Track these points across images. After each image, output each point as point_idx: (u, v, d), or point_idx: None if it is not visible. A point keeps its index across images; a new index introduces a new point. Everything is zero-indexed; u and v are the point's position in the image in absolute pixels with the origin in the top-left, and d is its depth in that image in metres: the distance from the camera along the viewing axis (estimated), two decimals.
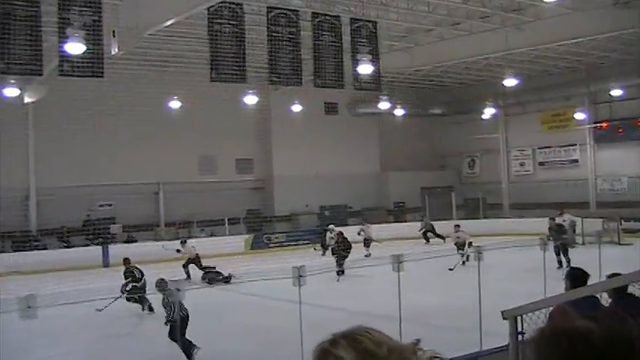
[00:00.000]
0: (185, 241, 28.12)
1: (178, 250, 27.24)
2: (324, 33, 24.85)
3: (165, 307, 13.42)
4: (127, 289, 19.30)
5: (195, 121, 36.87)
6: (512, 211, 43.62)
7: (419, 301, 17.17)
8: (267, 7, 24.18)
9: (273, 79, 24.56)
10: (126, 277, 19.91)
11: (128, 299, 19.34)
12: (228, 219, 36.91)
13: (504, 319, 6.86)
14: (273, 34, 23.80)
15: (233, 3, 23.03)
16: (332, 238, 29.43)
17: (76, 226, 34.48)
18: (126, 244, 33.34)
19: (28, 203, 34.46)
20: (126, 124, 35.45)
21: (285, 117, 39.84)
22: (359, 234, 31.98)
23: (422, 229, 37.17)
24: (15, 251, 31.82)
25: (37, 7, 19.92)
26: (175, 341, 13.15)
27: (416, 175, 44.84)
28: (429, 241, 35.75)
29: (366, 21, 26.16)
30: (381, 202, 44.69)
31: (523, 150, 45.14)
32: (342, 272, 24.95)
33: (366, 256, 29.33)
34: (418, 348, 2.00)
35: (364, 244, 31.55)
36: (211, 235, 35.95)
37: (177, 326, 13.01)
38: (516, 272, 22.24)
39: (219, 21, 22.83)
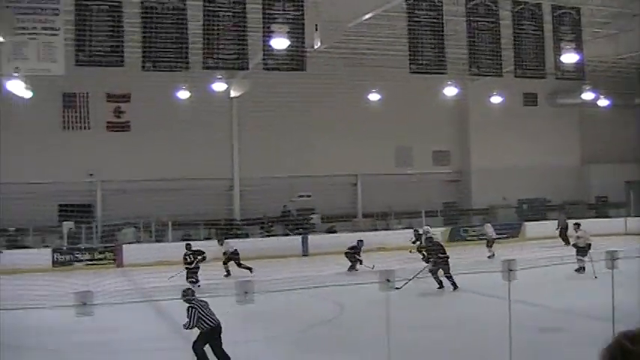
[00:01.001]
0: (222, 241, 28.19)
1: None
2: (524, 22, 24.15)
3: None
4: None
5: (392, 113, 36.98)
6: None
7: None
8: None
9: (472, 70, 24.17)
10: None
11: None
12: (425, 211, 36.78)
13: None
14: (473, 24, 23.43)
15: None
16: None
17: (277, 216, 35.57)
18: (325, 235, 34.14)
19: (232, 193, 36.07)
20: (325, 116, 36.25)
21: (483, 108, 39.12)
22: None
23: (558, 227, 34.21)
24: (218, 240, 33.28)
25: (243, 5, 20.73)
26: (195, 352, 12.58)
27: (620, 168, 42.58)
28: (568, 243, 30.41)
29: (569, 8, 25.20)
30: (581, 196, 42.98)
31: None
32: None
33: (488, 257, 28.47)
34: None
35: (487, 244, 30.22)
36: (409, 227, 35.92)
37: (202, 337, 12.58)
38: None
39: (418, 12, 22.74)
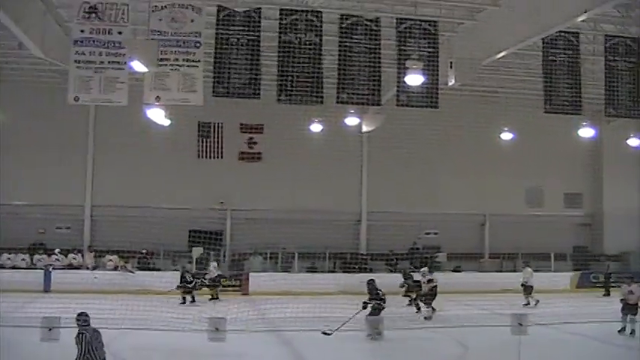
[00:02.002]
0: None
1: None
2: None
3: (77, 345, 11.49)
4: None
5: (523, 152, 36.26)
6: None
7: None
8: (605, 36, 23.24)
9: (609, 111, 23.41)
10: None
11: None
12: (554, 254, 35.77)
13: None
14: (611, 63, 22.79)
15: (569, 32, 22.43)
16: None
17: (403, 252, 35.35)
18: (451, 273, 33.73)
19: (359, 227, 36.18)
20: (455, 154, 35.93)
21: (619, 150, 37.74)
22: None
23: None
24: (344, 272, 33.42)
25: (377, 41, 20.92)
26: None
27: None
28: None
29: None
30: None
31: None
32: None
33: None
34: None
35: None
36: (536, 270, 35.02)
37: None
38: None
39: (554, 51, 22.37)
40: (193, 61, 19.88)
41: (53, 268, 30.49)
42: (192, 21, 19.98)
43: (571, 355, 18.15)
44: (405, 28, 21.14)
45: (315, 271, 33.52)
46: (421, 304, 24.28)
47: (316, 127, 32.29)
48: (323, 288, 29.04)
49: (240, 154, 35.32)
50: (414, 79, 20.27)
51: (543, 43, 22.17)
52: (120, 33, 19.92)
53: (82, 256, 32.39)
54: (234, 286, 30.58)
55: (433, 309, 23.49)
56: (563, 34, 22.09)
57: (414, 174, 35.73)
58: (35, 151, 32.81)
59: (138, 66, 18.54)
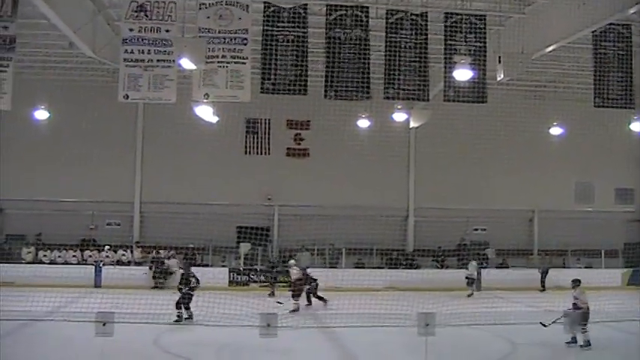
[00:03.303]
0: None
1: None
2: None
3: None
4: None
5: (573, 147, 35.82)
6: None
7: None
8: None
9: None
10: None
11: None
12: (605, 251, 35.28)
13: None
14: None
15: (620, 24, 22.05)
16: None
17: (450, 248, 35.15)
18: (497, 270, 33.48)
19: (407, 223, 36.06)
20: (503, 149, 35.45)
21: None
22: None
23: None
24: (390, 268, 33.40)
25: (425, 36, 20.82)
26: None
27: None
28: None
29: None
30: None
31: None
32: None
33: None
34: None
35: None
36: (587, 267, 34.65)
37: None
38: None
39: (604, 43, 22.00)
40: (241, 57, 19.96)
41: (103, 264, 30.89)
42: (239, 18, 20.06)
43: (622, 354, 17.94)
44: (453, 22, 20.98)
45: (363, 267, 33.54)
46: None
47: (363, 123, 32.17)
48: (370, 284, 29.06)
49: (288, 150, 35.47)
50: (462, 74, 20.11)
51: (593, 35, 21.80)
52: (168, 31, 20.07)
53: (132, 252, 32.77)
54: (282, 281, 30.62)
55: None
56: (614, 26, 21.69)
57: (462, 169, 35.46)
58: (86, 148, 33.29)
59: (187, 64, 18.71)
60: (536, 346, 17.32)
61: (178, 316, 20.82)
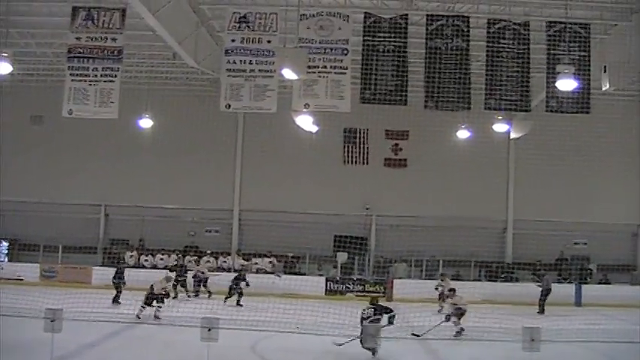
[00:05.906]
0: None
1: None
2: None
3: None
4: None
5: None
6: None
7: None
8: None
9: None
10: None
11: None
12: None
13: None
14: None
15: None
16: None
17: (550, 263, 34.39)
18: (600, 285, 32.64)
19: (505, 235, 35.50)
20: (606, 161, 34.48)
21: None
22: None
23: None
24: (488, 280, 32.91)
25: (526, 46, 20.53)
26: None
27: None
28: None
29: None
30: None
31: None
32: None
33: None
34: None
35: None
36: None
37: None
38: None
39: None
40: (341, 68, 20.16)
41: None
42: (339, 28, 20.28)
43: None
44: (556, 31, 20.66)
45: (460, 279, 33.12)
46: None
47: (463, 134, 31.80)
48: (467, 297, 28.67)
49: (386, 160, 35.37)
50: (566, 84, 19.60)
51: None
52: (269, 42, 20.45)
53: (232, 259, 33.26)
54: (378, 292, 30.57)
55: None
56: None
57: (562, 181, 34.63)
58: (187, 156, 34.10)
59: (288, 74, 18.90)
60: None
61: None
